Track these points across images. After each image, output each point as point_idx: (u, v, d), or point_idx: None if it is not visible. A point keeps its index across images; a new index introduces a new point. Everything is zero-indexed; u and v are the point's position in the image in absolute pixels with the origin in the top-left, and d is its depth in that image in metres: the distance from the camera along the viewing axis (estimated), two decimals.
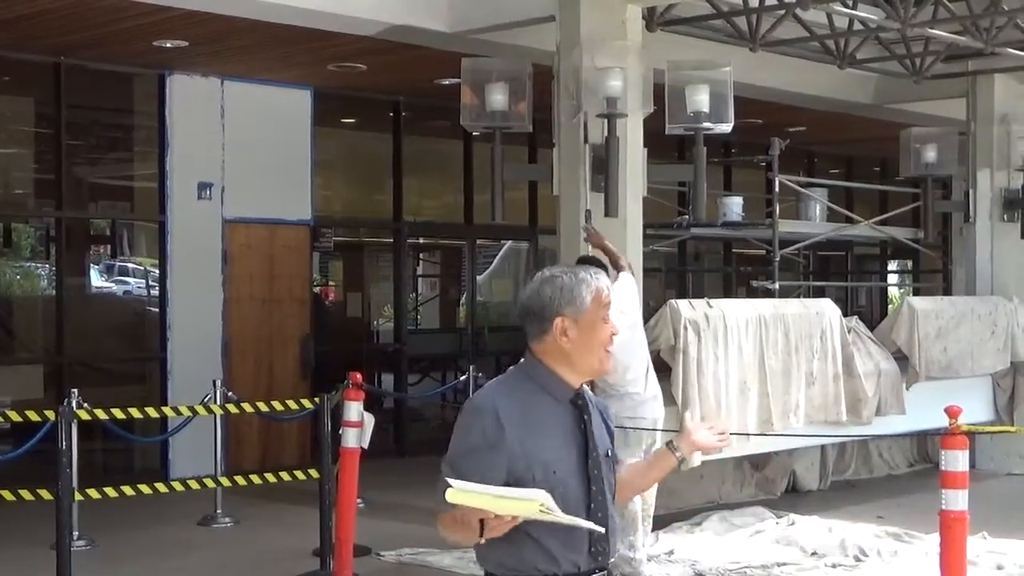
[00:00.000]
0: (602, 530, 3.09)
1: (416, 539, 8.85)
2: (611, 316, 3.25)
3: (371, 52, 10.64)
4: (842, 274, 18.38)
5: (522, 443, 3.09)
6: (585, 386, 3.30)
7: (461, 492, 2.87)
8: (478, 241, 15.15)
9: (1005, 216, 12.17)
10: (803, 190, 12.44)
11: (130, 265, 17.55)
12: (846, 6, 9.64)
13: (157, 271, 12.06)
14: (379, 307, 15.76)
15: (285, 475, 8.96)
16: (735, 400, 9.11)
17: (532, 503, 2.87)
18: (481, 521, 2.91)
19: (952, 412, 6.23)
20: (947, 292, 13.47)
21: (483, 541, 2.95)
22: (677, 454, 3.41)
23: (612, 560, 3.27)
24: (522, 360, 3.28)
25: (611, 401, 6.82)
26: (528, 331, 3.23)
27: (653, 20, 9.57)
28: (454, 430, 3.19)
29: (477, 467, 3.04)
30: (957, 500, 6.10)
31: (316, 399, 8.59)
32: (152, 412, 9.03)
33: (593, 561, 3.18)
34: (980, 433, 10.81)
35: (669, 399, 8.96)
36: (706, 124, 8.65)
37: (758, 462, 10.58)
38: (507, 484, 3.03)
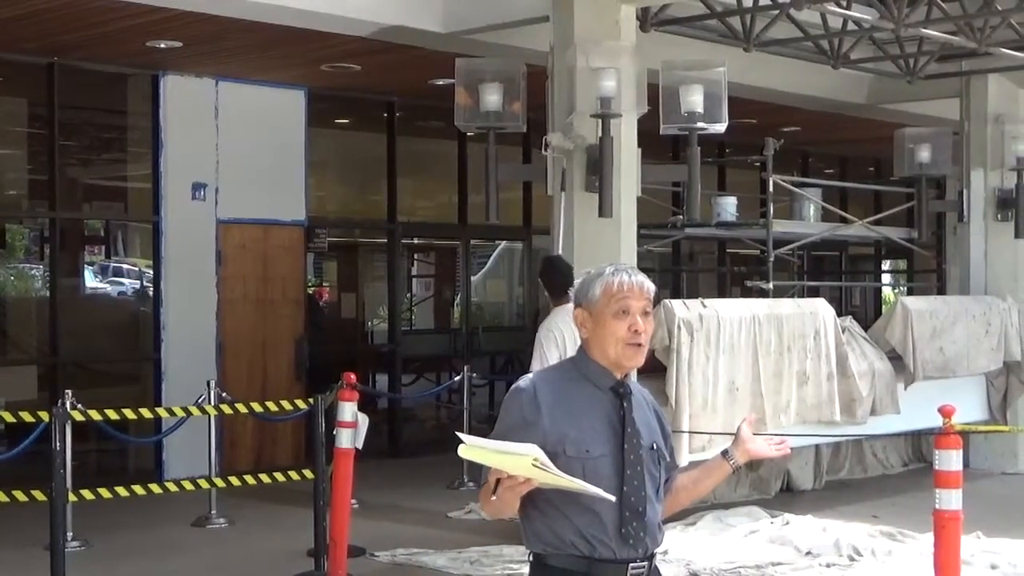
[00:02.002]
0: (612, 498, 3.17)
1: (410, 539, 8.86)
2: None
3: (365, 52, 10.64)
4: (836, 274, 18.41)
5: (555, 421, 3.25)
6: (635, 381, 3.45)
7: (470, 448, 3.02)
8: (472, 241, 15.15)
9: (999, 216, 12.18)
10: (797, 190, 12.46)
11: (124, 266, 17.56)
12: (840, 6, 9.64)
13: (151, 272, 12.05)
14: (373, 308, 15.78)
15: (279, 476, 8.95)
16: (725, 400, 9.12)
17: (526, 458, 2.98)
18: (498, 482, 3.05)
19: (946, 412, 6.24)
20: (941, 292, 13.49)
21: (493, 499, 3.09)
22: (731, 462, 3.54)
23: (655, 552, 3.34)
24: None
25: None
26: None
27: (647, 20, 9.57)
28: (500, 411, 3.39)
29: (514, 442, 3.14)
30: (951, 499, 6.11)
31: (310, 400, 8.58)
32: (146, 413, 9.02)
33: (625, 544, 3.25)
34: (974, 432, 10.84)
35: (663, 399, 8.99)
36: (700, 124, 8.65)
37: (752, 462, 10.58)
38: None
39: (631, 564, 3.27)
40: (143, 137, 11.79)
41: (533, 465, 2.98)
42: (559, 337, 7.51)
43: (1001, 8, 9.76)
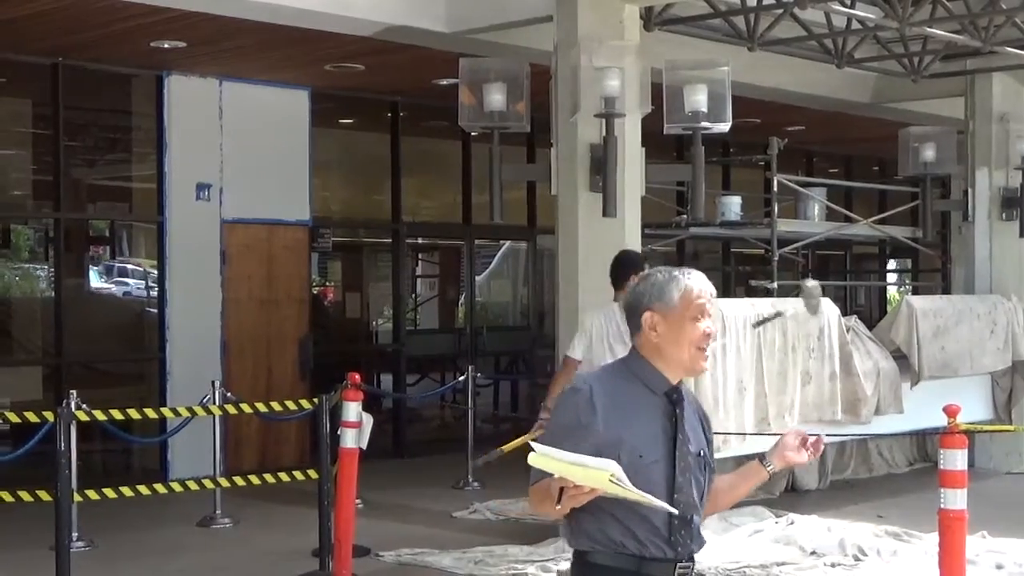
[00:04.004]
0: (675, 511, 3.19)
1: (415, 539, 8.86)
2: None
3: (369, 52, 10.64)
4: (841, 273, 18.39)
5: (610, 425, 3.23)
6: (686, 386, 3.44)
7: (542, 456, 3.01)
8: (476, 241, 15.14)
9: (1004, 215, 12.17)
10: (802, 189, 12.44)
11: (129, 266, 17.56)
12: (844, 5, 9.64)
13: (156, 272, 12.05)
14: (378, 307, 15.77)
15: (284, 476, 8.96)
16: (732, 400, 9.12)
17: (603, 473, 2.98)
18: (561, 490, 3.04)
19: (951, 411, 6.23)
20: (946, 291, 13.48)
21: (558, 508, 3.09)
22: (769, 468, 3.52)
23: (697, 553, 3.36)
24: (627, 353, 3.46)
25: None
26: (630, 327, 3.42)
27: (651, 20, 9.57)
28: (553, 412, 3.40)
29: (568, 445, 3.14)
30: (956, 499, 6.10)
31: (315, 400, 8.58)
32: (151, 413, 9.03)
33: (672, 549, 3.27)
34: (979, 432, 10.81)
35: None
36: (704, 124, 8.64)
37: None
38: None
39: (679, 564, 3.30)
40: (147, 137, 11.80)
41: (610, 480, 2.98)
42: (594, 326, 7.60)
43: (1006, 7, 9.76)
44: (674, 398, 3.34)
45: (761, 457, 3.53)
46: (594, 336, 7.56)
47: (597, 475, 2.99)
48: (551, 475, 3.10)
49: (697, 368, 3.36)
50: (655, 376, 3.33)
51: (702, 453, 3.38)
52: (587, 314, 8.00)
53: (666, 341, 3.31)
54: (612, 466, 2.98)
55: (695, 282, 3.34)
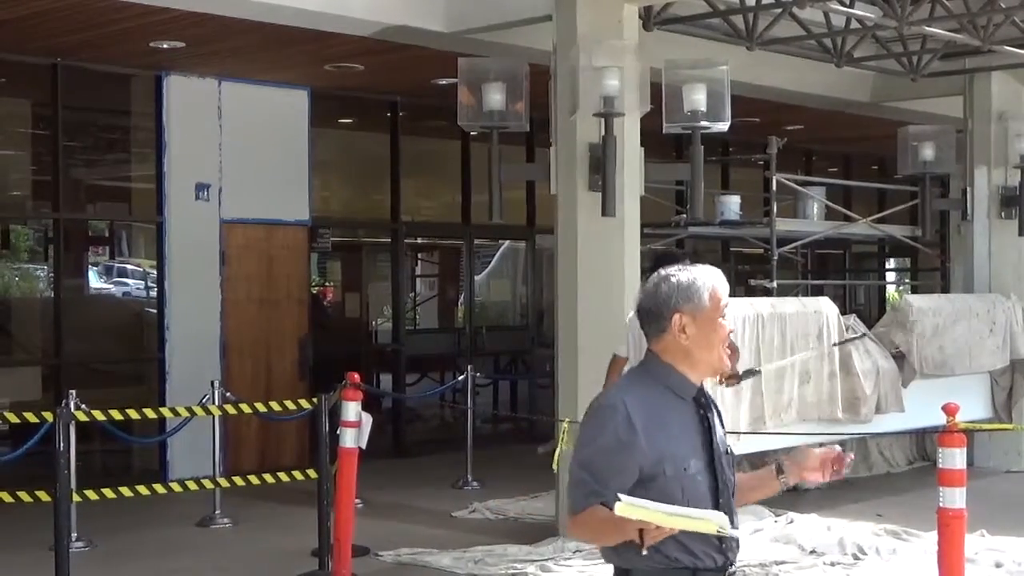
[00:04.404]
0: (738, 535, 3.19)
1: (414, 539, 8.86)
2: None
3: (368, 52, 10.64)
4: (840, 272, 18.39)
5: (652, 440, 3.14)
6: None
7: (632, 507, 2.90)
8: (476, 241, 15.14)
9: (1003, 213, 12.16)
10: (801, 188, 12.44)
11: (128, 266, 17.59)
12: (843, 4, 9.64)
13: (155, 272, 12.05)
14: (377, 307, 15.77)
15: (283, 475, 8.96)
16: (729, 398, 9.11)
17: (708, 524, 2.92)
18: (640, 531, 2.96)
19: (950, 410, 6.24)
20: (945, 290, 13.48)
21: (645, 552, 3.01)
22: (782, 479, 3.45)
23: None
24: (642, 360, 3.33)
25: None
26: (647, 331, 3.30)
27: (650, 19, 9.57)
28: (582, 431, 3.23)
29: (612, 468, 3.09)
30: (955, 498, 6.10)
31: (314, 399, 8.58)
32: (150, 413, 9.03)
33: (723, 556, 3.25)
34: (978, 431, 10.81)
35: None
36: (703, 123, 8.64)
37: (755, 461, 10.57)
38: (639, 481, 3.11)
39: (727, 570, 3.29)
40: (147, 137, 11.79)
41: (718, 532, 2.96)
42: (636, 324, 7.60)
43: (1004, 6, 9.76)
44: (702, 401, 3.28)
45: (778, 468, 3.44)
46: (638, 335, 7.50)
47: (701, 525, 2.93)
48: (594, 502, 3.04)
49: (724, 367, 3.31)
50: (682, 381, 3.25)
51: (729, 451, 3.34)
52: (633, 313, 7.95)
53: (696, 343, 3.22)
54: (718, 518, 2.93)
55: (719, 280, 3.28)
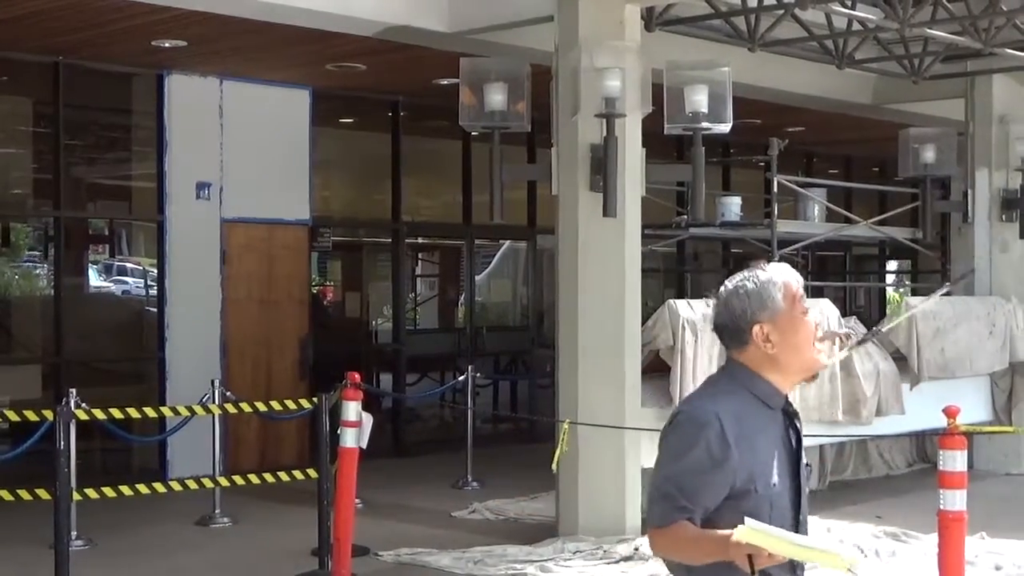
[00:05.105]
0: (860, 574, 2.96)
1: (414, 539, 8.86)
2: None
3: (370, 52, 10.64)
4: (841, 274, 18.38)
5: (744, 456, 2.99)
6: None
7: (755, 532, 2.75)
8: (476, 241, 15.15)
9: (1003, 216, 12.17)
10: (802, 190, 12.44)
11: (128, 265, 17.60)
12: (845, 6, 9.63)
13: (155, 271, 12.06)
14: (378, 307, 15.78)
15: (283, 475, 8.96)
16: None
17: (837, 561, 2.71)
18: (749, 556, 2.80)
19: (950, 412, 6.24)
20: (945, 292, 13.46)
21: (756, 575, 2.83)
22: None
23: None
24: (723, 368, 3.19)
25: None
26: (727, 345, 3.14)
27: (652, 20, 9.57)
28: (670, 443, 3.05)
29: (705, 485, 2.96)
30: (955, 500, 6.10)
31: (314, 399, 8.59)
32: (150, 412, 9.02)
33: (794, 573, 3.12)
34: (978, 433, 10.81)
35: (667, 399, 8.99)
36: (705, 124, 8.65)
37: None
38: (729, 497, 2.98)
39: None
40: (148, 136, 11.79)
41: (848, 571, 2.73)
42: None
43: (1006, 8, 9.75)
44: (790, 412, 3.14)
45: None
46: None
47: (828, 559, 2.72)
48: (681, 518, 2.92)
49: (820, 365, 3.13)
50: (771, 391, 3.09)
51: (808, 463, 3.18)
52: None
53: (783, 349, 3.06)
54: (847, 554, 2.72)
55: (789, 275, 3.13)
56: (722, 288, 3.17)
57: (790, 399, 3.19)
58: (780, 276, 3.12)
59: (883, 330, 7.84)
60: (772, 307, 3.07)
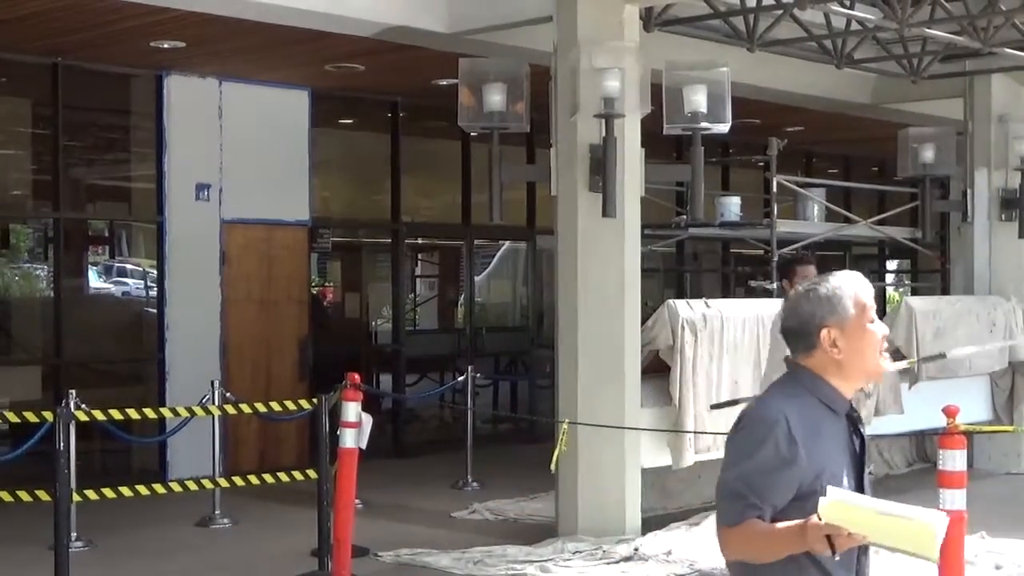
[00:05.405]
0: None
1: (414, 539, 8.86)
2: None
3: (369, 53, 10.64)
4: None
5: (811, 455, 3.02)
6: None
7: (838, 503, 2.68)
8: (476, 241, 15.15)
9: (1003, 215, 12.16)
10: (801, 190, 12.44)
11: (128, 266, 17.60)
12: (844, 6, 9.63)
13: (155, 272, 12.06)
14: (377, 308, 15.78)
15: (283, 476, 8.96)
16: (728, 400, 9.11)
17: (924, 532, 2.62)
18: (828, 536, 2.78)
19: (950, 412, 6.24)
20: (945, 292, 13.48)
21: (838, 558, 2.88)
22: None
23: None
24: (788, 372, 3.21)
25: None
26: (794, 348, 3.18)
27: (651, 20, 9.57)
28: (738, 442, 3.10)
29: (774, 483, 2.98)
30: (955, 500, 6.10)
31: (314, 400, 8.59)
32: (150, 413, 9.03)
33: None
34: (978, 433, 10.81)
35: (667, 399, 8.99)
36: (704, 124, 8.65)
37: None
38: (797, 497, 2.99)
39: None
40: (147, 137, 11.79)
41: (934, 540, 2.62)
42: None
43: (1005, 8, 9.75)
44: (854, 416, 3.17)
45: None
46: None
47: (918, 530, 2.63)
48: (752, 516, 2.92)
49: (881, 371, 3.18)
50: (836, 396, 3.13)
51: (871, 470, 3.24)
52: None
53: (850, 355, 3.10)
54: (939, 520, 2.67)
55: (861, 284, 3.16)
56: (792, 292, 3.23)
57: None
58: (851, 284, 3.16)
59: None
60: (841, 313, 3.11)
